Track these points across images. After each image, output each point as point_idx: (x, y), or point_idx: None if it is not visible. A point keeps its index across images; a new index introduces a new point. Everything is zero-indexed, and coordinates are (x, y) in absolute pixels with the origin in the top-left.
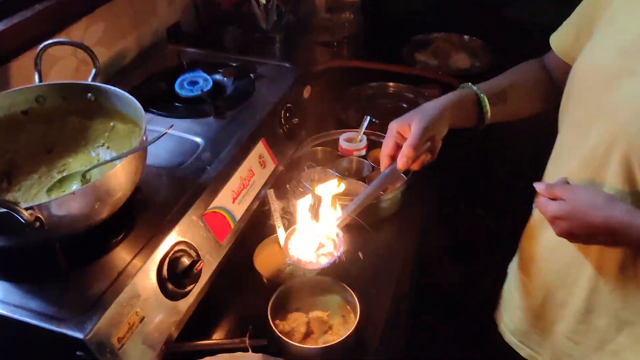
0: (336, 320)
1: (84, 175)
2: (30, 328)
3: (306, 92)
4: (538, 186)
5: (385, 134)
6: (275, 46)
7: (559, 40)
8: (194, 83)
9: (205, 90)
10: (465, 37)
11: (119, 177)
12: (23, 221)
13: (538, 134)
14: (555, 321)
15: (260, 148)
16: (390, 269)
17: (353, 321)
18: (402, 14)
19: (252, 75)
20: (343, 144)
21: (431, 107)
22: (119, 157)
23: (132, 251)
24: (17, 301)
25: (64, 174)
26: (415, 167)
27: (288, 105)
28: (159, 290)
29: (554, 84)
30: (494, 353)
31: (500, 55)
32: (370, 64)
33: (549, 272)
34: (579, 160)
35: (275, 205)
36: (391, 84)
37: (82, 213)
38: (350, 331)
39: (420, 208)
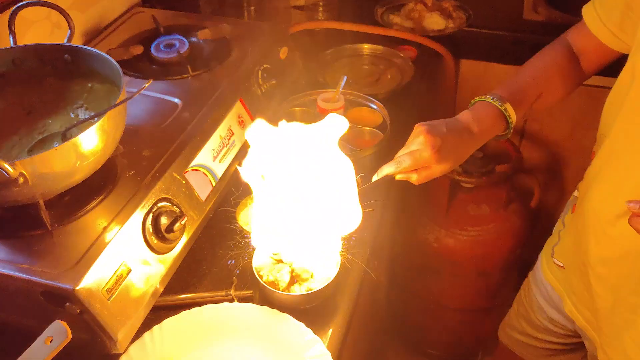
0: (320, 270)
1: (64, 135)
2: (19, 282)
3: (283, 54)
4: (631, 204)
5: (361, 94)
6: (251, 9)
7: (598, 16)
8: (170, 46)
9: (181, 52)
10: None
11: (100, 134)
12: (7, 176)
13: None
14: (624, 326)
15: (238, 108)
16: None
17: (335, 269)
18: None
19: (227, 37)
20: (321, 103)
21: (459, 138)
22: (99, 114)
23: (116, 208)
24: (5, 257)
25: (44, 134)
26: (396, 177)
27: (265, 65)
28: (144, 244)
29: (580, 73)
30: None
31: (474, 14)
32: (346, 25)
33: (619, 275)
34: None
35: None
36: (367, 45)
37: (64, 170)
38: (332, 279)
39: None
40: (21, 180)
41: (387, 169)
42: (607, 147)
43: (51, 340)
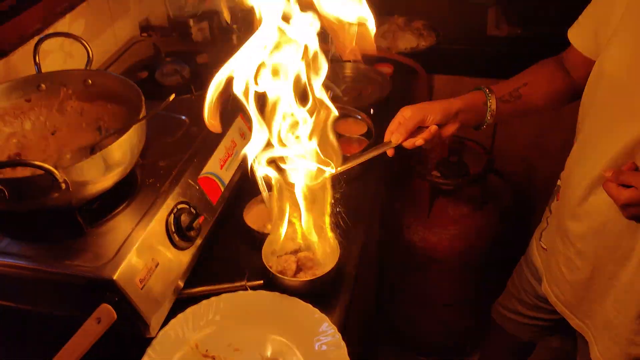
0: (322, 258)
1: (92, 149)
2: (65, 278)
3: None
4: (607, 173)
5: (345, 107)
6: (239, 36)
7: (577, 35)
8: (172, 70)
9: (183, 74)
10: (410, 19)
11: (126, 147)
12: (55, 181)
13: None
14: (604, 293)
15: (239, 122)
16: (360, 214)
17: (335, 258)
18: None
19: (223, 60)
20: None
21: (438, 103)
22: (124, 128)
23: (141, 210)
24: (51, 258)
25: (71, 150)
26: (407, 145)
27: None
28: (168, 241)
29: (571, 82)
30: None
31: (442, 32)
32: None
33: (599, 247)
34: (611, 156)
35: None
36: (349, 64)
37: (95, 178)
38: (333, 265)
39: (382, 170)
40: (63, 186)
41: (394, 136)
42: (582, 138)
43: (99, 321)
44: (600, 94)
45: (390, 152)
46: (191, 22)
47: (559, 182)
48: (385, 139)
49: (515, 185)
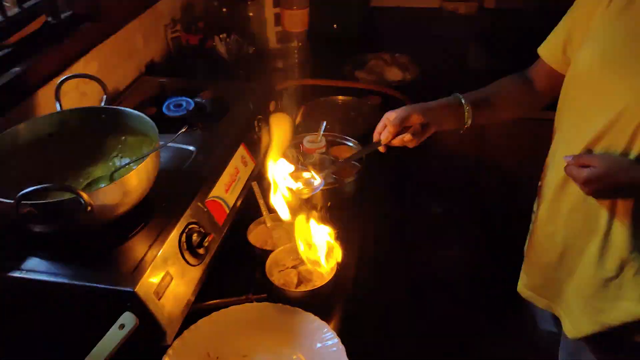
0: (322, 271)
1: (111, 176)
2: (88, 290)
3: (272, 106)
4: (567, 158)
5: (339, 135)
6: (239, 73)
7: (546, 49)
8: (178, 105)
9: (189, 109)
10: (395, 54)
11: (142, 174)
12: (83, 203)
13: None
14: (573, 269)
15: (241, 151)
16: (357, 228)
17: (333, 270)
18: (341, 40)
19: (225, 96)
20: (306, 144)
21: (418, 105)
22: (141, 158)
23: (156, 230)
24: (73, 273)
25: (89, 180)
26: (395, 143)
27: (259, 117)
28: (181, 258)
29: (535, 92)
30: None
31: (426, 66)
32: (321, 81)
33: (569, 227)
34: (584, 146)
35: (260, 194)
36: (340, 97)
37: (115, 202)
38: (331, 277)
39: (374, 191)
40: (89, 208)
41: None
42: (556, 139)
43: (123, 327)
44: (574, 93)
45: (382, 149)
46: (194, 61)
47: (540, 183)
48: (374, 139)
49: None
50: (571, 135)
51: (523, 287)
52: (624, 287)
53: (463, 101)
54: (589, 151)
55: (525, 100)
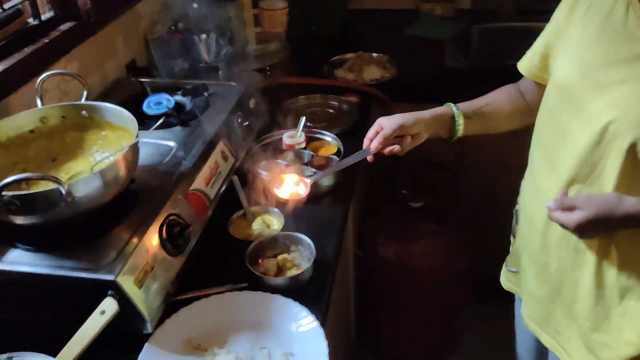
0: (299, 260)
1: (92, 169)
2: (69, 280)
3: (252, 104)
4: (549, 205)
5: (318, 131)
6: (218, 73)
7: (525, 65)
8: (158, 103)
9: (169, 107)
10: (374, 54)
11: (125, 162)
12: (64, 193)
13: None
14: (571, 304)
15: (221, 146)
16: (335, 219)
17: (311, 258)
18: (320, 40)
19: (205, 93)
20: (287, 140)
21: (411, 114)
22: (121, 150)
23: (137, 221)
24: (55, 263)
25: (70, 174)
26: (386, 152)
27: (239, 113)
28: (161, 248)
29: (527, 105)
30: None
31: (404, 65)
32: (301, 79)
33: (561, 257)
34: (569, 169)
35: (240, 187)
36: (319, 95)
37: (99, 191)
38: (310, 265)
39: (351, 185)
40: (69, 198)
41: (373, 143)
42: (530, 166)
43: (104, 312)
44: (552, 107)
45: (370, 159)
46: (174, 63)
47: (517, 206)
48: (364, 146)
49: (481, 203)
50: (552, 151)
51: (528, 319)
52: (627, 316)
53: (455, 112)
54: (572, 189)
55: (518, 112)
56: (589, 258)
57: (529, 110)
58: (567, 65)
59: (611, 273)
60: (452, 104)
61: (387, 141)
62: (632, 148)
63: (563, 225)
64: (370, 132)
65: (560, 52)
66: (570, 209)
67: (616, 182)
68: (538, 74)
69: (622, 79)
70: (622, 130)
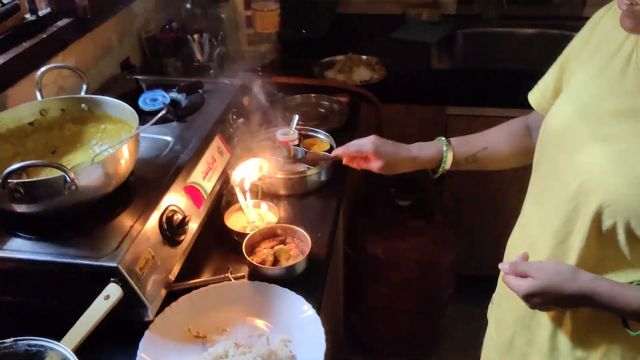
0: (295, 251)
1: (93, 160)
2: (72, 267)
3: (246, 101)
4: (503, 267)
5: (310, 128)
6: (210, 72)
7: (535, 98)
8: (154, 99)
9: (165, 102)
10: (363, 56)
11: (125, 154)
12: (69, 181)
13: None
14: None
15: (217, 141)
16: (328, 213)
17: (307, 249)
18: (310, 42)
19: (200, 90)
20: (280, 136)
21: (393, 154)
22: (123, 140)
23: (137, 212)
24: (57, 251)
25: (70, 166)
26: (350, 164)
27: (234, 110)
28: (161, 238)
29: (532, 146)
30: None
31: (392, 67)
32: (293, 79)
33: (516, 312)
34: (549, 212)
35: (236, 182)
36: (311, 94)
37: (101, 181)
38: (305, 255)
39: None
40: (73, 187)
41: (338, 150)
42: (532, 195)
43: (108, 297)
44: (544, 151)
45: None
46: (167, 61)
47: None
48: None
49: (466, 201)
50: (544, 194)
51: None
52: None
53: (444, 157)
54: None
55: (519, 154)
56: (544, 321)
57: (533, 151)
58: (566, 108)
59: (564, 341)
60: (445, 142)
61: (345, 153)
62: (598, 214)
63: (513, 291)
64: (346, 147)
65: (564, 87)
66: (523, 275)
67: (582, 245)
68: (547, 108)
69: (604, 136)
70: (592, 192)
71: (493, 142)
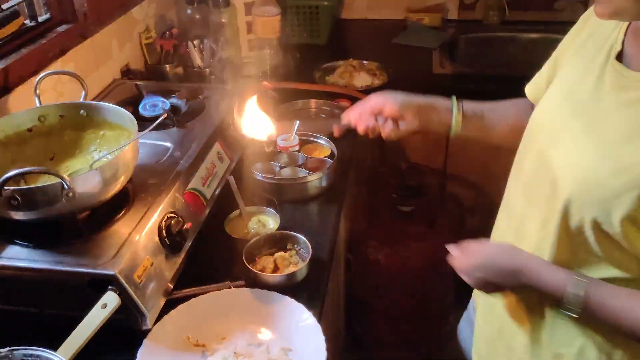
0: (296, 258)
1: (91, 166)
2: (69, 275)
3: (246, 106)
4: (451, 248)
5: (311, 134)
6: (211, 78)
7: (531, 89)
8: (154, 105)
9: (165, 108)
10: (364, 61)
11: (124, 159)
12: (66, 187)
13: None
14: (510, 351)
15: (217, 147)
16: (328, 219)
17: (307, 256)
18: (311, 48)
19: (200, 96)
20: (281, 142)
21: (400, 94)
22: (121, 146)
23: (136, 218)
24: (54, 259)
25: (68, 173)
26: (360, 130)
27: (234, 115)
28: (160, 245)
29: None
30: None
31: (393, 72)
32: (294, 84)
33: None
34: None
35: (236, 188)
36: (312, 100)
37: (99, 187)
38: (306, 262)
39: (342, 186)
40: (70, 194)
41: (349, 114)
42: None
43: (105, 305)
44: (528, 140)
45: (336, 131)
46: (167, 67)
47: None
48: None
49: (468, 208)
50: (528, 186)
51: (475, 354)
52: None
53: (453, 105)
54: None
55: (522, 127)
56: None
57: None
58: (547, 94)
59: (545, 335)
60: (455, 99)
61: (360, 115)
62: (566, 210)
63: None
64: (353, 109)
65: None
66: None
67: (554, 240)
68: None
69: (577, 131)
70: (561, 188)
71: (502, 109)
